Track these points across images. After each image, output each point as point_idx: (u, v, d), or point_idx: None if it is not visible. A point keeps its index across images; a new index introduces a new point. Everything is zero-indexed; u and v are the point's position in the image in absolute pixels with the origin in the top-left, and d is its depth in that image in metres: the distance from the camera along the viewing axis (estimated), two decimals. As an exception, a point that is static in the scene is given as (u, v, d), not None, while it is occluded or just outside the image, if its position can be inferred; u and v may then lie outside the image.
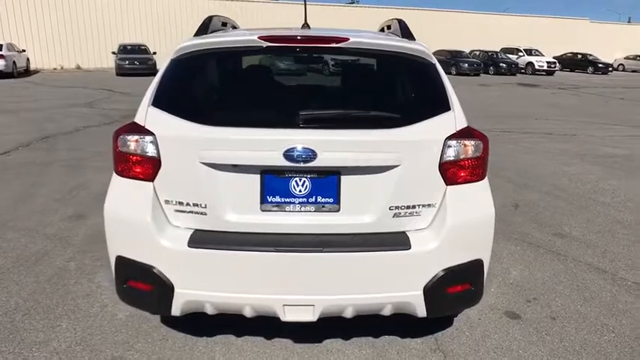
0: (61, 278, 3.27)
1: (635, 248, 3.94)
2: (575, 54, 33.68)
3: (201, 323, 2.68)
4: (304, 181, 2.01)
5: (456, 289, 2.12)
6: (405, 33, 2.44)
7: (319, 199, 2.03)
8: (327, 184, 2.02)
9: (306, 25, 2.65)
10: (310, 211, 2.03)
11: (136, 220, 2.03)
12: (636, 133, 9.68)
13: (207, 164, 1.99)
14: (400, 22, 2.54)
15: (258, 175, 2.01)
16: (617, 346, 2.65)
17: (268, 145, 1.96)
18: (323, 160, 1.94)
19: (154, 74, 2.60)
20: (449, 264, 2.05)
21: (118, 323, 2.76)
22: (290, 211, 2.03)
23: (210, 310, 2.10)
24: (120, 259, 2.11)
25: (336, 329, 2.63)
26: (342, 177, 2.02)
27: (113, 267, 2.15)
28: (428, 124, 2.06)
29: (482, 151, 2.12)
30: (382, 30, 3.11)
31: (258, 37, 2.16)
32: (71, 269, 3.41)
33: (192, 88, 2.27)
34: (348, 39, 2.17)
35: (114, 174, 2.17)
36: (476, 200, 2.13)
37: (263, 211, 2.03)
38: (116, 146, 2.12)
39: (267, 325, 2.39)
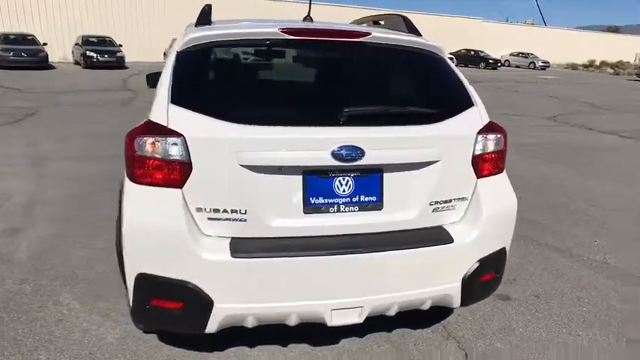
0: (18, 304, 2.83)
1: (577, 228, 4.39)
2: (469, 50, 36.84)
3: (204, 338, 2.49)
4: (347, 181, 1.95)
5: (485, 278, 2.20)
6: (412, 29, 2.46)
7: (362, 198, 1.97)
8: (370, 182, 1.97)
9: (308, 18, 2.55)
10: (354, 211, 1.97)
11: (167, 232, 1.81)
12: (540, 123, 10.78)
13: (248, 167, 1.83)
14: (405, 18, 2.54)
15: (301, 177, 1.90)
16: (596, 315, 2.94)
17: (315, 144, 1.86)
18: (369, 158, 1.89)
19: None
20: (483, 254, 2.12)
21: (111, 348, 2.47)
22: (334, 212, 1.95)
23: (250, 323, 1.95)
24: (142, 277, 1.86)
25: (348, 329, 2.60)
26: (385, 174, 1.98)
27: (132, 286, 1.90)
28: (460, 119, 2.10)
29: (503, 144, 2.21)
30: (361, 25, 3.10)
31: (279, 30, 2.04)
32: (27, 292, 2.97)
33: (216, 83, 2.07)
34: (370, 33, 2.14)
35: (127, 181, 1.91)
36: (502, 191, 2.22)
37: (306, 213, 1.93)
38: (133, 150, 1.87)
39: (276, 331, 2.27)
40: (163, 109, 1.86)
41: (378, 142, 1.91)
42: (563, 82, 25.67)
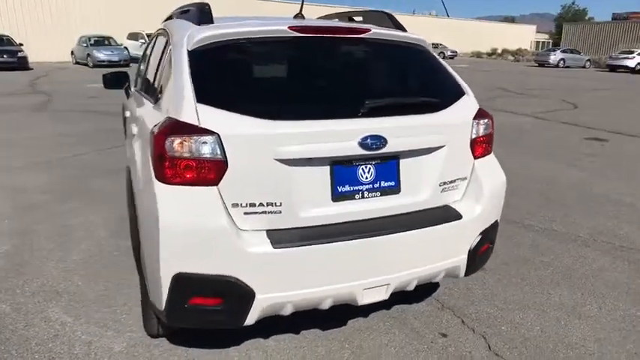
0: (1, 326, 2.65)
1: (527, 200, 4.87)
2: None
3: (215, 335, 2.52)
4: (370, 168, 2.07)
5: (484, 249, 2.43)
6: (398, 25, 2.62)
7: (383, 183, 2.11)
8: (389, 168, 2.11)
9: (300, 16, 2.63)
10: (376, 196, 2.10)
11: (208, 230, 1.82)
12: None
13: (282, 160, 1.89)
14: (390, 15, 2.70)
15: (328, 167, 1.99)
16: (562, 276, 3.33)
17: (343, 135, 1.96)
18: (390, 146, 2.03)
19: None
20: (483, 227, 2.35)
21: (122, 357, 2.40)
22: (359, 199, 2.07)
23: (288, 311, 2.02)
24: (180, 277, 1.86)
25: (352, 310, 2.74)
26: (401, 161, 2.13)
27: (167, 288, 1.89)
28: (458, 106, 2.30)
29: (491, 127, 2.45)
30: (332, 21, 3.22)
31: (288, 27, 2.12)
32: (7, 312, 2.77)
33: (240, 81, 2.08)
34: (370, 30, 2.28)
35: (156, 182, 1.89)
36: (494, 169, 2.46)
37: (334, 201, 2.02)
38: (163, 150, 1.85)
39: (283, 321, 2.35)
40: (191, 108, 1.86)
41: (397, 131, 2.05)
42: (473, 69, 27.56)
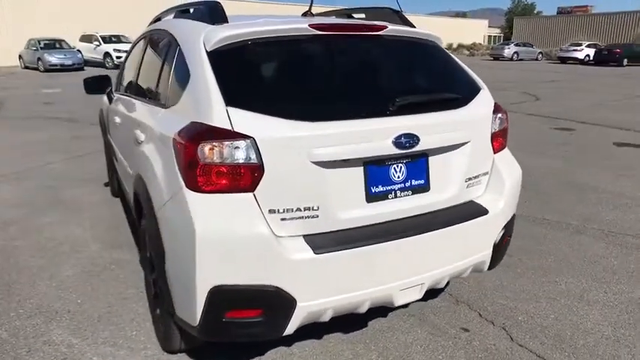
0: (3, 353, 2.46)
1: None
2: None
3: (237, 346, 2.43)
4: (401, 167, 2.04)
5: (505, 242, 2.46)
6: (407, 22, 2.60)
7: (413, 182, 2.08)
8: (419, 166, 2.08)
9: (310, 14, 2.56)
10: (408, 195, 2.07)
11: (248, 238, 1.73)
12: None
13: (318, 163, 1.83)
14: (398, 12, 2.67)
15: (362, 167, 1.94)
16: (564, 264, 3.42)
17: (377, 134, 1.91)
18: (423, 144, 2.00)
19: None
20: (505, 221, 2.37)
21: (143, 376, 2.28)
22: (391, 199, 2.03)
23: (328, 317, 1.96)
24: (217, 290, 1.77)
25: (370, 310, 2.71)
26: (430, 158, 2.11)
27: (204, 302, 1.79)
28: (478, 101, 2.30)
29: (506, 122, 2.47)
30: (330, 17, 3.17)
31: (309, 25, 2.06)
32: (5, 338, 2.58)
33: (269, 82, 2.00)
34: (387, 27, 2.25)
35: (187, 191, 1.78)
36: (511, 163, 2.48)
37: (369, 202, 1.98)
38: (195, 157, 1.74)
39: (303, 327, 2.31)
40: (222, 112, 1.77)
41: (428, 128, 2.03)
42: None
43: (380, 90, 2.14)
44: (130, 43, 25.23)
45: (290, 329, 1.89)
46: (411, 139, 1.96)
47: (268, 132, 1.77)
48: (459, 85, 2.35)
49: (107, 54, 23.30)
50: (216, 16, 2.18)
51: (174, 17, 2.82)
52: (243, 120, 1.77)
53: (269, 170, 1.77)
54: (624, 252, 3.61)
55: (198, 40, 2.05)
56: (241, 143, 1.75)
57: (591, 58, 30.91)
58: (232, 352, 2.41)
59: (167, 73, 2.35)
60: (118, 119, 3.35)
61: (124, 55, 23.56)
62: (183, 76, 2.09)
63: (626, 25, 38.72)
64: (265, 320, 1.85)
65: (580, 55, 31.47)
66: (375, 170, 1.97)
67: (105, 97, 4.34)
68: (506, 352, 2.45)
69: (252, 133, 1.75)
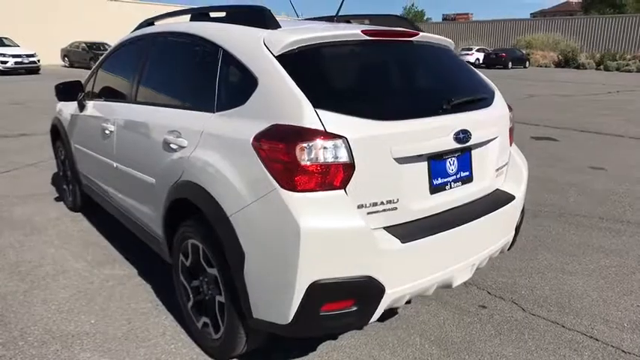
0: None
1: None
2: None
3: (290, 343, 2.48)
4: (454, 160, 2.23)
5: (520, 223, 2.78)
6: (417, 28, 2.82)
7: (462, 174, 2.28)
8: (465, 159, 2.29)
9: (347, 20, 2.69)
10: (458, 186, 2.26)
11: (345, 232, 1.81)
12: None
13: (397, 159, 1.96)
14: (408, 20, 2.88)
15: (426, 162, 2.11)
16: (537, 243, 3.88)
17: (442, 130, 2.09)
18: (474, 139, 2.23)
19: None
20: (522, 205, 2.69)
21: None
22: (448, 189, 2.21)
23: (404, 301, 2.09)
24: (316, 286, 1.82)
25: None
26: (472, 152, 2.34)
27: (300, 298, 1.83)
28: (497, 101, 2.59)
29: (513, 118, 2.80)
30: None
31: (361, 31, 2.19)
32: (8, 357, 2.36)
33: (341, 84, 2.07)
34: (419, 33, 2.45)
35: (284, 191, 1.80)
36: (521, 154, 2.81)
37: (432, 194, 2.14)
38: (293, 158, 1.78)
39: None
40: (311, 114, 1.84)
41: (476, 124, 2.25)
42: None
43: (433, 90, 2.34)
44: (18, 46, 22.80)
45: (375, 316, 2.00)
46: (466, 134, 2.17)
47: (357, 131, 1.87)
48: (482, 86, 2.62)
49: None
50: (271, 21, 2.21)
51: (192, 20, 2.75)
52: (333, 121, 1.85)
53: (359, 168, 1.87)
54: (579, 230, 4.17)
55: (259, 44, 2.08)
56: (337, 143, 1.83)
57: (481, 62, 34.07)
58: (289, 349, 2.43)
59: (207, 77, 2.32)
60: (111, 127, 3.15)
61: (10, 59, 21.35)
62: (241, 80, 2.11)
63: (506, 32, 43.09)
64: (357, 310, 1.93)
65: (471, 59, 34.48)
66: (436, 164, 2.15)
67: (68, 105, 4.03)
68: (525, 322, 2.76)
69: (343, 132, 1.84)
